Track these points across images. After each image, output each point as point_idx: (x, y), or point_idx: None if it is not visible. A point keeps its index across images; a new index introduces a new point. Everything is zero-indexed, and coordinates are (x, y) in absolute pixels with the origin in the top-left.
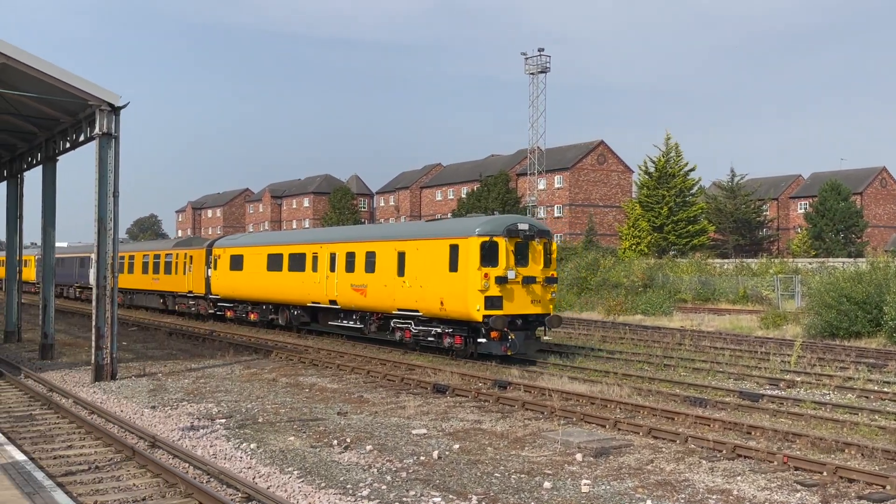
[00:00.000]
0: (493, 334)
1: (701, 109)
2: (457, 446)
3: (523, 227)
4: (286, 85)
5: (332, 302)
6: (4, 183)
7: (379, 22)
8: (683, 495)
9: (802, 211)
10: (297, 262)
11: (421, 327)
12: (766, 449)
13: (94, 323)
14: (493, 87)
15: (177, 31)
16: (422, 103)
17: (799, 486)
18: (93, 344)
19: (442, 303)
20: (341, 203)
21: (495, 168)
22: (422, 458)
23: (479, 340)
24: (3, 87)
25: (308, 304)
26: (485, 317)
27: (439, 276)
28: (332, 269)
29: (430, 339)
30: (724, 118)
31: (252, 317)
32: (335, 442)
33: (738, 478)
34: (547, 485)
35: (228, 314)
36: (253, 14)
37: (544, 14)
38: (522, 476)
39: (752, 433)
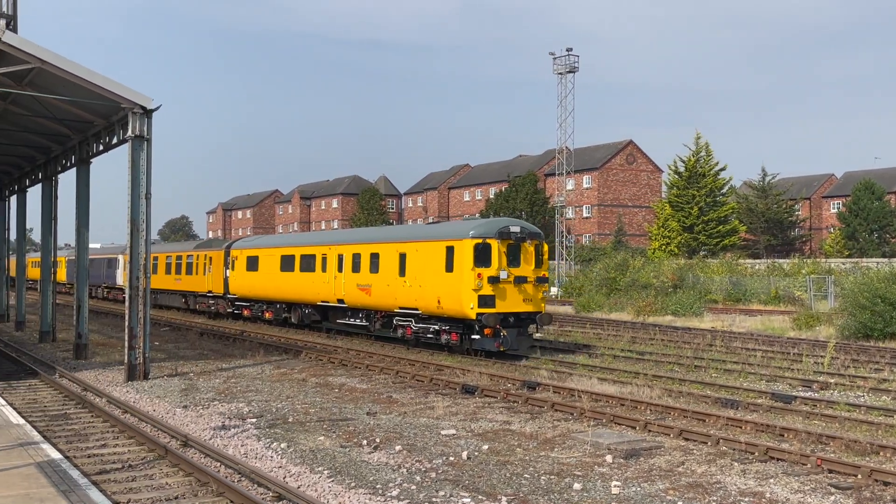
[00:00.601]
0: (487, 331)
1: (731, 108)
2: (486, 447)
3: (515, 229)
4: (315, 86)
5: (340, 301)
6: (39, 185)
7: (408, 23)
8: (715, 498)
9: (835, 210)
10: (308, 263)
11: (421, 325)
12: (800, 451)
13: (127, 323)
14: (521, 88)
15: (205, 34)
16: (450, 104)
17: (833, 489)
18: (126, 344)
19: (439, 301)
20: (370, 204)
21: (523, 168)
22: (451, 458)
23: (473, 337)
24: (37, 91)
25: (318, 303)
26: (478, 314)
27: (437, 277)
28: (340, 269)
29: (429, 335)
30: (754, 117)
31: (267, 315)
32: (365, 442)
33: (771, 480)
34: (577, 486)
35: (245, 313)
36: (282, 16)
37: (572, 14)
38: (552, 477)
39: (785, 435)
